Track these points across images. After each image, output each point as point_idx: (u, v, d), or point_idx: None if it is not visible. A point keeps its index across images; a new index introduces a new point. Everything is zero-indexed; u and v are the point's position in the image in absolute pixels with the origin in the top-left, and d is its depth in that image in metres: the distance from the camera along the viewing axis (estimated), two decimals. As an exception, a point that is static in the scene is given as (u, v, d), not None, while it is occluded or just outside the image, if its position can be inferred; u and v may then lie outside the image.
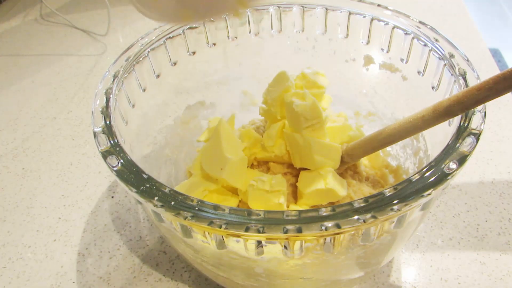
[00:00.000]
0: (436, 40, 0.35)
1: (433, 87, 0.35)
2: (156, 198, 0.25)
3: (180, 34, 0.40)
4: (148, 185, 0.26)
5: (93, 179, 0.50)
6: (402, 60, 0.39)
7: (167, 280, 0.39)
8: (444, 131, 0.32)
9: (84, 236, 0.44)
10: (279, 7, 0.41)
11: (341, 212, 0.23)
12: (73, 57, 0.71)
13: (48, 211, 0.47)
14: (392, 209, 0.23)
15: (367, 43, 0.40)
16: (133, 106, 0.36)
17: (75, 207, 0.47)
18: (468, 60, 0.32)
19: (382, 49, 0.40)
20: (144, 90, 0.38)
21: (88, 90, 0.64)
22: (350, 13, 0.39)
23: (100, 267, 0.41)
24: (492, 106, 0.54)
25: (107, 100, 0.32)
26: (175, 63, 0.41)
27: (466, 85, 0.30)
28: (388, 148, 0.44)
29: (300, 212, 0.23)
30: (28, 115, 0.60)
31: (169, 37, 0.39)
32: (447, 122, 0.32)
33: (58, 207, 0.47)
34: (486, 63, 0.61)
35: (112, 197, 0.48)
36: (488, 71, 0.60)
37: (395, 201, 0.24)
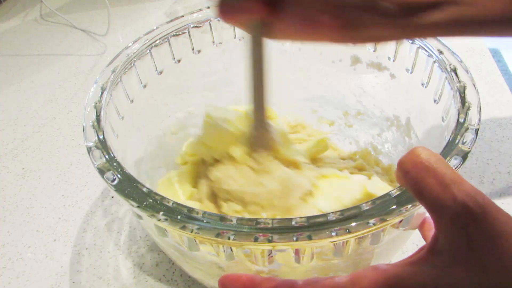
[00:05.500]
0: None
1: (422, 84, 0.35)
2: (161, 213, 0.24)
3: (165, 42, 0.39)
4: (151, 200, 0.25)
5: (93, 179, 0.50)
6: (389, 58, 0.39)
7: (167, 280, 0.39)
8: (437, 127, 0.32)
9: (84, 236, 0.44)
10: None
11: (350, 216, 0.23)
12: (73, 57, 0.71)
13: (48, 211, 0.47)
14: (400, 211, 0.23)
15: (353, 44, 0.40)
16: (122, 118, 0.35)
17: (75, 207, 0.47)
18: (457, 56, 0.33)
19: (368, 49, 0.40)
20: (132, 101, 0.37)
21: (88, 90, 0.63)
22: None
23: (100, 267, 0.41)
24: (492, 106, 0.54)
25: (98, 114, 0.31)
26: (161, 72, 0.40)
27: (459, 81, 0.31)
28: (379, 146, 0.44)
29: (308, 218, 0.23)
30: (28, 115, 0.60)
31: (155, 46, 0.38)
32: (441, 117, 0.32)
33: (58, 207, 0.47)
34: (486, 63, 0.61)
35: (112, 197, 0.48)
36: (488, 71, 0.59)
37: (402, 202, 0.24)
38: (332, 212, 0.23)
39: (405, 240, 0.35)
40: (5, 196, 0.49)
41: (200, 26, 0.40)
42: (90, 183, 0.49)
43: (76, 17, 0.79)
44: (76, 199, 0.48)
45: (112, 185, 0.26)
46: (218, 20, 0.40)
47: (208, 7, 0.40)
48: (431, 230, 0.29)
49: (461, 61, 0.32)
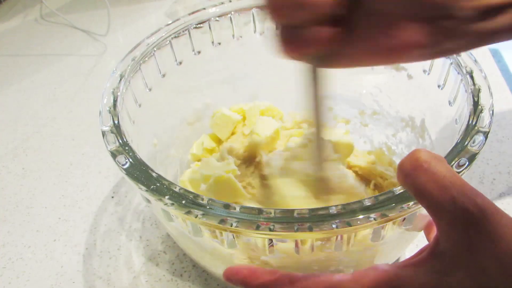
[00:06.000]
0: None
1: (439, 86, 0.35)
2: (167, 196, 0.25)
3: (185, 34, 0.39)
4: (158, 184, 0.26)
5: (93, 179, 0.50)
6: None
7: (167, 280, 0.39)
8: (451, 129, 0.32)
9: (84, 236, 0.44)
10: (261, 8, 0.41)
11: (351, 211, 0.23)
12: (73, 57, 0.71)
13: (48, 211, 0.47)
14: (402, 207, 0.23)
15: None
16: (140, 105, 0.36)
17: (75, 207, 0.47)
18: (475, 60, 0.33)
19: None
20: (150, 90, 0.38)
21: (88, 90, 0.64)
22: None
23: (100, 267, 0.41)
24: (492, 106, 0.54)
25: (115, 100, 0.32)
26: (180, 63, 0.40)
27: (474, 84, 0.31)
28: (393, 147, 0.44)
29: (311, 210, 0.23)
30: (28, 115, 0.60)
31: (175, 37, 0.39)
32: (454, 120, 0.32)
33: (58, 207, 0.47)
34: (486, 63, 0.61)
35: (112, 197, 0.48)
36: (488, 71, 0.59)
37: (405, 199, 0.24)
38: (334, 205, 0.23)
39: (408, 242, 0.35)
40: (5, 196, 0.49)
41: (219, 20, 0.41)
42: (90, 183, 0.49)
43: (76, 17, 0.79)
44: (76, 199, 0.48)
45: (123, 168, 0.27)
46: (239, 15, 0.41)
47: (223, 3, 0.41)
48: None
49: (476, 63, 0.32)
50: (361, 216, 0.23)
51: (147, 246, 0.42)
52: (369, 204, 0.24)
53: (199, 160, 0.43)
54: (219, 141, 0.45)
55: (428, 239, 0.29)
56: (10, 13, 0.83)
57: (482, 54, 0.63)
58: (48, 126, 0.58)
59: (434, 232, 0.29)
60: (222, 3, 0.41)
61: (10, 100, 0.63)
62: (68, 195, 0.48)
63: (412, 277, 0.20)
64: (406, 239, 0.34)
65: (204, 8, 0.40)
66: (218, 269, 0.35)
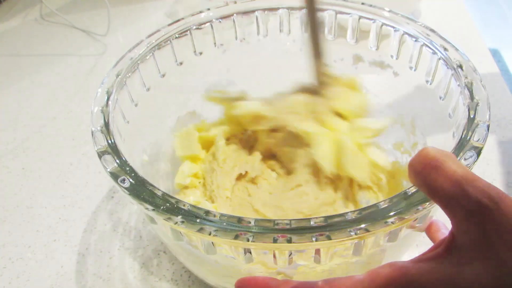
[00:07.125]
0: (428, 35, 0.35)
1: (427, 81, 0.35)
2: (179, 216, 0.24)
3: (167, 45, 0.39)
4: (168, 204, 0.25)
5: (93, 179, 0.50)
6: (392, 56, 0.39)
7: (167, 280, 0.39)
8: (443, 124, 0.32)
9: (84, 236, 0.44)
10: (264, 10, 0.41)
11: (368, 215, 0.23)
12: (73, 57, 0.71)
13: (48, 211, 0.47)
14: (418, 209, 0.23)
15: (355, 42, 0.40)
16: (128, 122, 0.35)
17: (75, 207, 0.47)
18: (462, 53, 0.32)
19: (370, 47, 0.40)
20: (136, 105, 0.37)
21: (88, 90, 0.64)
22: (336, 13, 0.39)
23: (100, 267, 0.41)
24: (492, 106, 0.54)
25: (106, 119, 0.31)
26: (163, 75, 0.40)
27: (466, 77, 0.31)
28: (383, 144, 0.44)
29: (327, 218, 0.23)
30: (28, 115, 0.60)
31: (157, 48, 0.38)
32: (447, 114, 0.32)
33: (58, 207, 0.47)
34: (486, 63, 0.61)
35: (112, 197, 0.48)
36: (488, 71, 0.59)
37: (421, 200, 0.24)
38: (350, 212, 0.23)
39: (413, 241, 0.35)
40: (5, 196, 0.49)
41: (201, 28, 0.40)
42: (90, 183, 0.50)
43: (76, 17, 0.79)
44: (76, 199, 0.48)
45: (125, 189, 0.26)
46: (220, 22, 0.41)
47: (208, 9, 0.40)
48: (438, 232, 0.29)
49: (464, 56, 0.32)
50: (379, 221, 0.23)
51: (147, 246, 0.42)
52: (384, 206, 0.23)
53: (186, 188, 0.41)
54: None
55: (430, 237, 0.29)
56: (10, 13, 0.83)
57: (482, 54, 0.63)
58: (48, 126, 0.58)
59: (436, 230, 0.29)
60: (227, 4, 0.41)
61: (10, 100, 0.63)
62: (68, 195, 0.48)
63: (429, 272, 0.20)
64: (412, 239, 0.34)
65: (209, 9, 0.40)
66: (227, 284, 0.34)
